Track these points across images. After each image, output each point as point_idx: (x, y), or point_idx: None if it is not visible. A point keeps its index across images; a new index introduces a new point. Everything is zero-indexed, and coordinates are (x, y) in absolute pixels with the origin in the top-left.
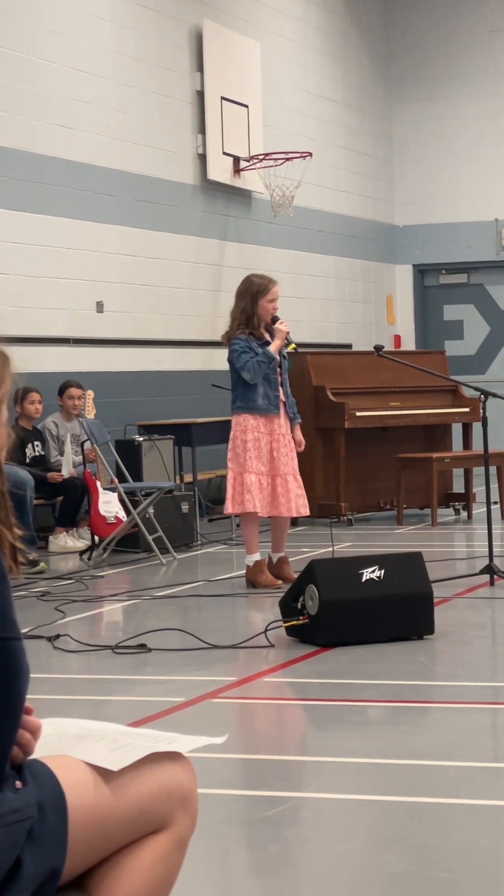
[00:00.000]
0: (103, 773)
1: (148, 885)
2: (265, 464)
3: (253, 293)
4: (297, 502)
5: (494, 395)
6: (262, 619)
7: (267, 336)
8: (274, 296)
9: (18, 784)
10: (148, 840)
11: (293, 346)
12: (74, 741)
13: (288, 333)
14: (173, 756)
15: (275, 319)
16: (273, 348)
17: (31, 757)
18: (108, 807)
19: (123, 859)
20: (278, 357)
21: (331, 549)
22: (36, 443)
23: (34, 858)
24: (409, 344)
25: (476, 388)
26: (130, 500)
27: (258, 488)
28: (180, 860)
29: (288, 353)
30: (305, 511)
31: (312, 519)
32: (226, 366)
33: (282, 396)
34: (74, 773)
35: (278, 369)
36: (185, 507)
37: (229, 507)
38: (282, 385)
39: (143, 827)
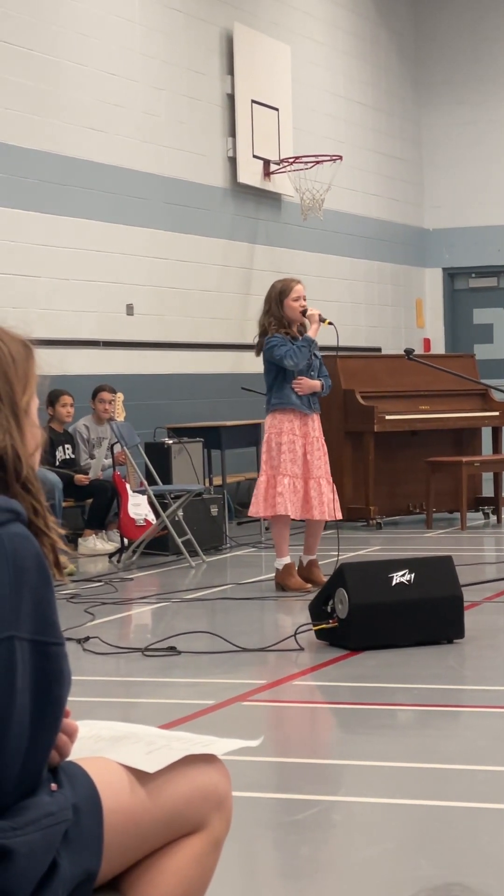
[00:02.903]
0: (139, 776)
1: (182, 887)
2: (299, 466)
3: (276, 296)
4: (329, 506)
5: None
6: (291, 623)
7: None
8: (297, 294)
9: (54, 786)
10: (183, 842)
11: (328, 321)
12: (110, 743)
13: (320, 314)
14: (208, 759)
15: (304, 312)
16: (311, 333)
17: (67, 759)
18: (144, 809)
19: (158, 861)
20: (317, 342)
21: (361, 552)
22: (66, 445)
23: (70, 860)
24: (438, 347)
25: None
26: (160, 502)
27: (291, 491)
28: (215, 862)
29: (328, 324)
30: (339, 515)
31: (341, 522)
32: (255, 368)
33: (320, 388)
34: (110, 775)
35: (311, 373)
36: (214, 510)
37: (260, 510)
38: (320, 376)
39: (178, 829)
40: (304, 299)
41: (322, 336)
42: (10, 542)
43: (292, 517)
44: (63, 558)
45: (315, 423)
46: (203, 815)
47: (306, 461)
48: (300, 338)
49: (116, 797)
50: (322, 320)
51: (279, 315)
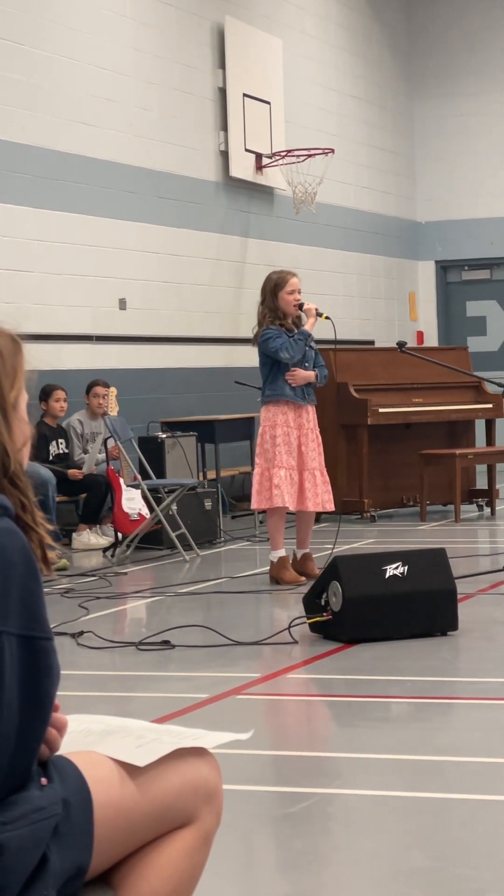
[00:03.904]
0: (129, 769)
1: (173, 881)
2: (294, 458)
3: (272, 288)
4: (323, 497)
5: None
6: (285, 616)
7: (297, 330)
8: (293, 287)
9: (44, 781)
10: (173, 836)
11: (325, 315)
12: (100, 737)
13: (317, 309)
14: (199, 752)
15: (301, 307)
16: (308, 327)
17: (57, 753)
18: (134, 802)
19: (149, 855)
20: (314, 335)
21: (355, 545)
22: (60, 440)
23: (60, 855)
24: (431, 340)
25: (499, 384)
26: (154, 496)
27: (288, 483)
28: (205, 855)
29: (325, 319)
30: (331, 507)
31: (335, 515)
32: (248, 362)
33: (314, 379)
34: (100, 769)
35: (306, 364)
36: (208, 504)
37: (256, 503)
38: (315, 367)
39: (169, 822)
40: (300, 292)
41: (319, 330)
42: None
43: (290, 509)
44: (51, 553)
45: (310, 415)
46: (193, 808)
47: (301, 452)
48: (295, 330)
49: (106, 791)
50: (319, 315)
51: (273, 307)
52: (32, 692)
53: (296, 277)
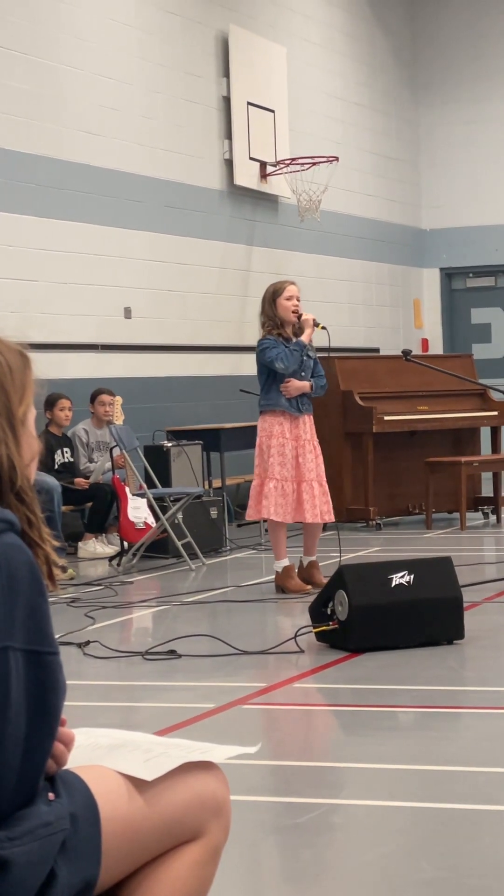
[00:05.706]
0: (137, 784)
1: (181, 895)
2: (290, 469)
3: (270, 296)
4: (321, 509)
5: None
6: (291, 625)
7: (295, 339)
8: (290, 293)
9: (51, 796)
10: (181, 850)
11: (321, 326)
12: (108, 751)
13: (314, 319)
14: (206, 766)
15: (298, 317)
16: (304, 338)
17: (64, 768)
18: (142, 817)
19: (157, 869)
20: (308, 347)
21: (361, 553)
22: (65, 449)
23: (68, 870)
24: (436, 348)
25: None
26: (159, 505)
27: (279, 495)
28: (213, 870)
29: (321, 329)
30: (330, 518)
31: (341, 524)
32: (253, 370)
33: (310, 389)
34: (107, 783)
35: (302, 374)
36: (213, 513)
37: (253, 513)
38: (312, 377)
39: (177, 837)
40: (298, 300)
41: (322, 338)
42: (4, 552)
43: (276, 520)
44: (57, 570)
45: (307, 425)
46: (201, 822)
47: (298, 463)
48: (293, 339)
49: (114, 805)
50: (316, 325)
51: (272, 315)
52: (39, 707)
53: (294, 285)
